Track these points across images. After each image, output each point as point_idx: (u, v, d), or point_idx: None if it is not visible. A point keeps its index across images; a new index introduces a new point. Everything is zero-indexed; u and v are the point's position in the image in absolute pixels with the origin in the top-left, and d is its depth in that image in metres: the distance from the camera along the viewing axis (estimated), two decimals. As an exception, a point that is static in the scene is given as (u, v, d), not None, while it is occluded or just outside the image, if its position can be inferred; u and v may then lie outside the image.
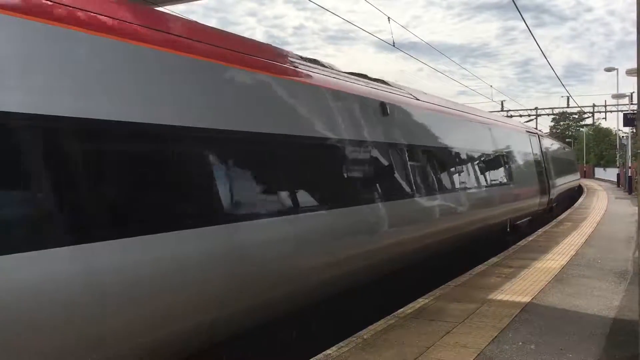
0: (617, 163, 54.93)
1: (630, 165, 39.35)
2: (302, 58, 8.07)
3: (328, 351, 5.91)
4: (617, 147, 55.86)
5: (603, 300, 8.03)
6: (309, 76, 7.44)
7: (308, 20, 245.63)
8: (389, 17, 14.51)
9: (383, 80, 10.79)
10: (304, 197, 6.57)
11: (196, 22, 6.51)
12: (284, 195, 6.27)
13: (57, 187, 4.12)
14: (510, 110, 54.67)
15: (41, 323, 3.87)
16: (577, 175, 40.41)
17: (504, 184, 14.93)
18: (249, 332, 6.10)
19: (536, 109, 56.33)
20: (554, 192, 21.85)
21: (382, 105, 8.89)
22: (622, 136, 48.78)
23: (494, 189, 13.97)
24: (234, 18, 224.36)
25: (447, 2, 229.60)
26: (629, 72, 30.06)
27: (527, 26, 13.88)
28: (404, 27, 18.20)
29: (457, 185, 11.43)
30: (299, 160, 6.66)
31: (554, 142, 31.74)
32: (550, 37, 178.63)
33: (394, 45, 15.32)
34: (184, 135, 5.19)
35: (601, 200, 29.08)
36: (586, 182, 49.91)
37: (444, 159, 11.10)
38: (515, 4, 13.57)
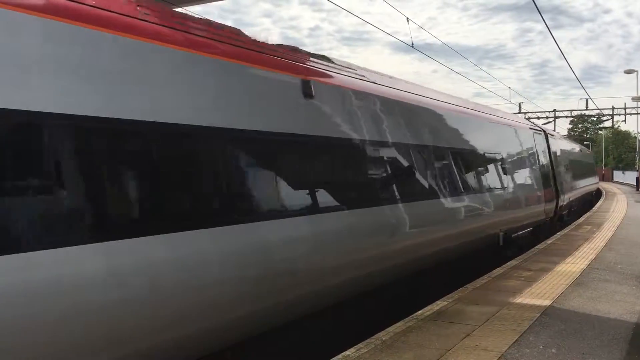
0: (637, 166, 54.23)
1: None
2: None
3: (347, 352, 5.88)
4: (637, 149, 55.18)
5: (625, 304, 7.92)
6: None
7: (323, 22, 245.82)
8: (407, 18, 14.47)
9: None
10: None
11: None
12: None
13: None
14: (528, 112, 54.27)
15: None
16: None
17: None
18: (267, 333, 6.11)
19: (554, 111, 55.82)
20: None
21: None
22: (642, 139, 48.15)
23: None
24: (249, 19, 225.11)
25: (463, 3, 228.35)
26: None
27: (547, 26, 13.77)
28: (421, 27, 18.13)
29: None
30: None
31: None
32: (568, 38, 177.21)
33: (412, 46, 15.26)
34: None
35: (620, 204, 28.70)
36: (605, 185, 49.35)
37: None
38: (535, 4, 13.47)
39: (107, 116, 4.53)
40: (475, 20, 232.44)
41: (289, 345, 6.67)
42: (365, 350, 5.93)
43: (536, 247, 13.76)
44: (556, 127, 52.10)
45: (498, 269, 10.70)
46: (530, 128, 17.39)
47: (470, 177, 11.29)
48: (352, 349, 5.97)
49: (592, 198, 32.98)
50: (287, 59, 6.91)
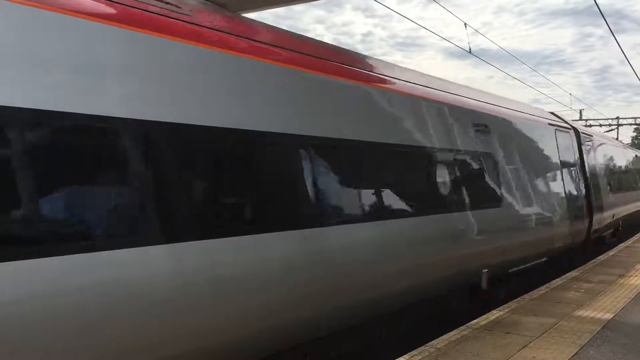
0: None
1: None
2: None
3: (400, 359, 5.86)
4: None
5: (693, 320, 7.58)
6: None
7: (376, 27, 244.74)
8: (465, 23, 14.29)
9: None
10: None
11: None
12: None
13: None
14: (589, 119, 52.57)
15: None
16: None
17: None
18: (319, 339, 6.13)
19: (617, 118, 53.85)
20: None
21: None
22: None
23: None
24: (302, 25, 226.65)
25: (520, 8, 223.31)
26: None
27: (610, 29, 13.35)
28: (477, 31, 17.82)
29: None
30: None
31: None
32: (630, 43, 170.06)
33: (469, 52, 15.07)
34: None
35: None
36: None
37: None
38: (597, 6, 13.09)
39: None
40: (531, 25, 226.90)
41: (341, 351, 6.68)
42: (419, 358, 5.89)
43: (597, 258, 13.32)
44: (619, 135, 50.28)
45: (557, 279, 10.43)
46: (551, 123, 12.74)
47: (423, 190, 7.50)
48: (406, 356, 5.94)
49: None
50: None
